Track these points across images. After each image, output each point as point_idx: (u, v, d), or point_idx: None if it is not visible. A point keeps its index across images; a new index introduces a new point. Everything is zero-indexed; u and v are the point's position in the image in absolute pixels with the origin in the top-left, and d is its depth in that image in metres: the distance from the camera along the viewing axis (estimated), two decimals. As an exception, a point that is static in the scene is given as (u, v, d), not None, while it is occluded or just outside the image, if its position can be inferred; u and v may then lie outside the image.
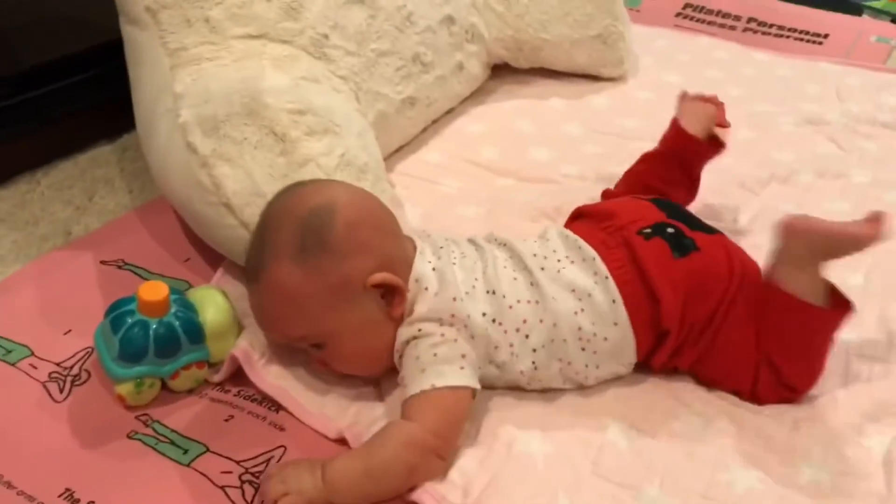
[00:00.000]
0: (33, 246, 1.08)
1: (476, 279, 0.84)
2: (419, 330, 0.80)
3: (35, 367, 0.90)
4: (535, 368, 0.84)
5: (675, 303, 0.83)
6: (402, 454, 0.74)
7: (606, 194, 1.06)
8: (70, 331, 0.94)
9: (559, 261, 0.87)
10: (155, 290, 0.85)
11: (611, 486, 0.77)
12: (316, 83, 1.06)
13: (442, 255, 0.85)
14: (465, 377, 0.78)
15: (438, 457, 0.76)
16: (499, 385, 0.85)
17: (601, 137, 1.31)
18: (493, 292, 0.83)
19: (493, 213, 1.13)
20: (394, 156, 1.24)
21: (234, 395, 0.87)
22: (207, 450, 0.81)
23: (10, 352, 0.91)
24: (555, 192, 1.16)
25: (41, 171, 1.23)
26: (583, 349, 0.84)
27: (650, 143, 1.28)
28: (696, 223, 0.91)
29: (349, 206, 0.82)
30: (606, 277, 0.84)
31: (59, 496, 0.76)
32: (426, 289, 0.82)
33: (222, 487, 0.78)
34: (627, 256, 0.86)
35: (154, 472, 0.79)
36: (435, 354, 0.78)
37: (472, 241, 0.90)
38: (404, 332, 0.81)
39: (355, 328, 0.82)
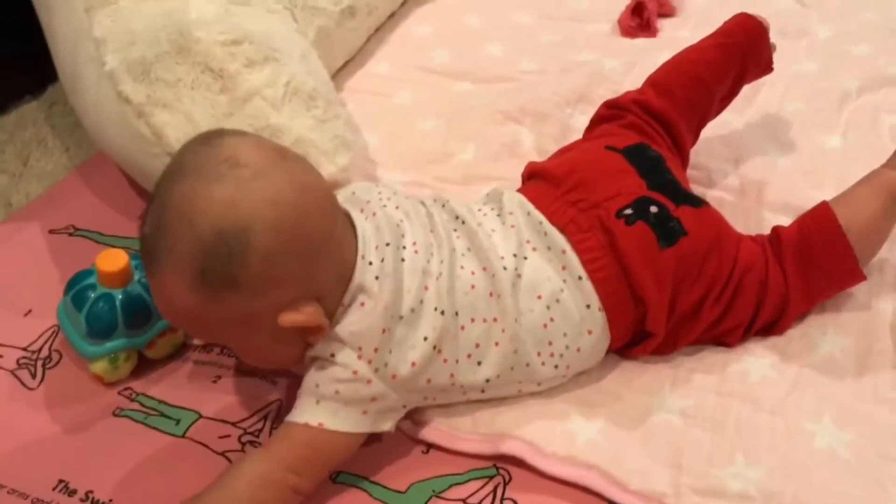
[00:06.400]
0: (-27, 223, 1.01)
1: (427, 288, 0.69)
2: (332, 355, 0.67)
3: (1, 357, 0.84)
4: (483, 392, 0.73)
5: (662, 305, 0.73)
6: (260, 497, 0.66)
7: (653, 85, 0.89)
8: (30, 311, 0.89)
9: (521, 246, 0.73)
10: (114, 260, 0.79)
11: (629, 395, 0.75)
12: (247, 6, 0.98)
13: (387, 255, 0.70)
14: (362, 424, 0.68)
15: (296, 493, 0.68)
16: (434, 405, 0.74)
17: (554, 24, 1.24)
18: (443, 312, 0.69)
19: (455, 124, 1.07)
20: (340, 72, 1.17)
21: (218, 354, 0.83)
22: (200, 416, 0.78)
23: (-31, 342, 0.86)
24: (517, 91, 1.10)
25: (-35, 140, 1.14)
26: (556, 367, 0.73)
27: (605, 24, 1.24)
28: (680, 193, 0.78)
29: (270, 230, 0.63)
30: (580, 277, 0.72)
31: (54, 489, 0.72)
32: (362, 304, 0.68)
33: (223, 453, 0.74)
34: (605, 245, 0.73)
35: (149, 448, 0.75)
36: (337, 392, 0.67)
37: (429, 216, 0.75)
38: (318, 347, 0.69)
39: (259, 349, 0.70)
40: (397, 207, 0.75)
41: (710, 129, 1.01)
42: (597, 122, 0.91)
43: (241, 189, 0.64)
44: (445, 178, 1.00)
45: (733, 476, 0.68)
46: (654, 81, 0.90)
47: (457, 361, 0.71)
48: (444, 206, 0.78)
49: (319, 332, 0.68)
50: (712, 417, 0.73)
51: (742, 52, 0.91)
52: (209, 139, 0.68)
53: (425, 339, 0.69)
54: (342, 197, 0.76)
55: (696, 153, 0.99)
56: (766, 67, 0.93)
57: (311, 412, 0.67)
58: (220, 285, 0.64)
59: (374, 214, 0.73)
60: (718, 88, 0.91)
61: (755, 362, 0.77)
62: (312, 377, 0.68)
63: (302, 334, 0.68)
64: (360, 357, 0.68)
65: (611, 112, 0.89)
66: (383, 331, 0.68)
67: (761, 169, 0.97)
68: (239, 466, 0.68)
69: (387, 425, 0.70)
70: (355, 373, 0.67)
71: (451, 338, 0.70)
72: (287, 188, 0.65)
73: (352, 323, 0.68)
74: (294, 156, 0.70)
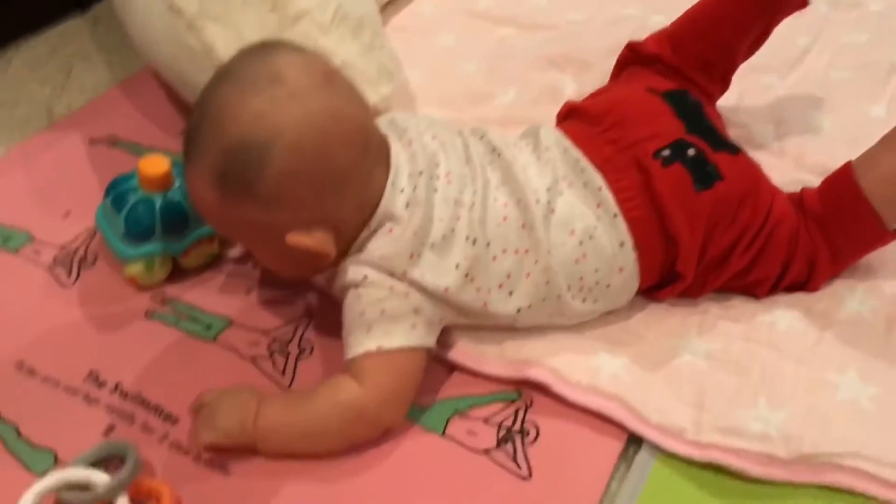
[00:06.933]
0: (15, 129, 1.03)
1: (459, 217, 0.70)
2: (365, 277, 0.68)
3: (38, 253, 0.86)
4: (515, 322, 0.74)
5: (693, 247, 0.73)
6: (345, 427, 0.67)
7: (650, 45, 0.88)
8: (69, 213, 0.90)
9: (557, 182, 0.74)
10: (157, 164, 0.80)
11: (655, 334, 0.76)
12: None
13: (420, 184, 0.70)
14: (416, 336, 0.68)
15: (383, 428, 0.69)
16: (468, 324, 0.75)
17: (602, -22, 1.24)
18: (475, 241, 0.70)
19: (497, 67, 1.07)
20: (386, 8, 1.17)
21: (252, 268, 0.84)
22: (231, 323, 0.79)
23: (8, 238, 0.87)
24: (560, 39, 1.10)
25: (10, 50, 1.15)
26: (583, 300, 0.73)
27: (655, -19, 1.22)
28: (719, 139, 0.78)
29: (292, 148, 0.65)
30: (615, 215, 0.72)
31: (85, 379, 0.74)
32: (390, 230, 0.69)
33: (251, 359, 0.76)
34: (640, 184, 0.73)
35: (179, 349, 0.77)
36: (382, 311, 0.67)
37: (465, 147, 0.75)
38: (349, 272, 0.69)
39: (272, 257, 0.73)
40: (434, 137, 0.75)
41: (753, 90, 1.01)
42: (622, 64, 0.90)
43: (273, 106, 0.65)
44: (484, 118, 1.00)
45: (755, 418, 0.69)
46: (671, 35, 0.88)
47: (489, 291, 0.71)
48: (481, 137, 0.78)
49: (325, 259, 0.69)
50: (737, 362, 0.73)
51: (769, 3, 0.87)
52: (262, 50, 0.69)
53: (457, 266, 0.70)
54: (382, 123, 0.76)
55: (736, 111, 0.99)
56: (802, 4, 0.89)
57: (365, 341, 0.68)
58: (237, 190, 0.67)
59: (410, 143, 0.73)
60: (741, 43, 0.88)
61: (783, 314, 0.77)
62: (354, 308, 0.69)
63: (309, 257, 0.69)
64: (391, 276, 0.69)
65: (634, 55, 0.89)
66: (411, 255, 0.69)
67: (802, 132, 0.97)
68: (329, 394, 0.68)
69: (431, 340, 0.70)
70: (391, 288, 0.68)
71: (483, 267, 0.71)
72: (317, 114, 0.66)
73: (379, 247, 0.69)
74: (340, 82, 0.70)
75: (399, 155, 0.72)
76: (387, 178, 0.70)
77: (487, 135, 0.78)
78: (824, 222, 0.77)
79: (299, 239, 0.68)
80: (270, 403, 0.68)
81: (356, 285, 0.69)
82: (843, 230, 0.77)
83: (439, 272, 0.69)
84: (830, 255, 0.78)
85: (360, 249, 0.70)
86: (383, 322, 0.68)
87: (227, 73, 0.69)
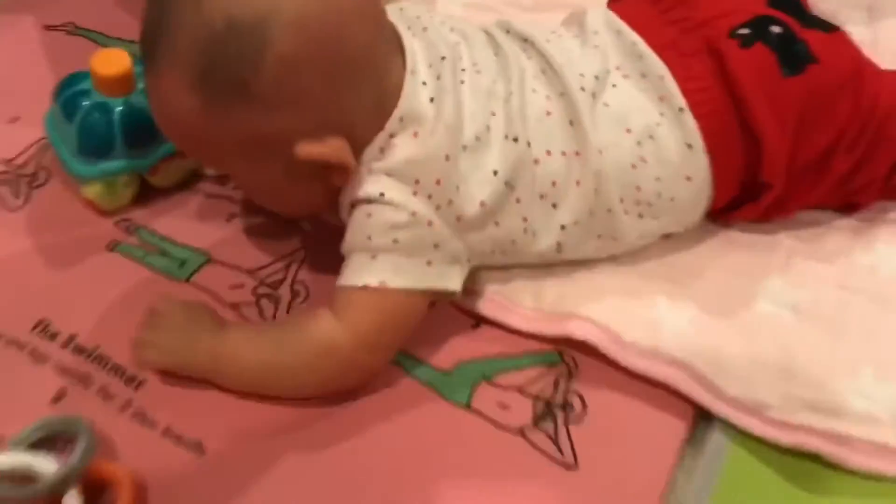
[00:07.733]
0: (-45, 12, 0.87)
1: (493, 113, 0.58)
2: (381, 194, 0.56)
3: (-21, 168, 0.72)
4: (559, 250, 0.61)
5: (782, 146, 0.60)
6: (313, 364, 0.56)
7: None
8: (18, 118, 0.76)
9: (609, 73, 0.61)
10: (114, 61, 0.66)
11: (727, 276, 0.63)
12: None
13: (444, 71, 0.58)
14: (429, 277, 0.57)
15: (365, 373, 0.58)
16: (501, 264, 0.62)
17: None
18: (516, 139, 0.58)
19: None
20: None
21: (235, 188, 0.71)
22: (210, 259, 0.66)
23: (-59, 148, 0.74)
24: None
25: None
26: (640, 216, 0.60)
27: None
28: (808, 15, 0.65)
29: (293, 28, 0.52)
30: (681, 110, 0.59)
31: (33, 330, 0.61)
32: (414, 135, 0.56)
33: (235, 305, 0.63)
34: (713, 71, 0.60)
35: (146, 291, 0.64)
36: (395, 241, 0.55)
37: (490, 38, 0.63)
38: (364, 183, 0.57)
39: (272, 185, 0.59)
40: (452, 30, 0.63)
41: (842, -32, 0.84)
42: None
43: None
44: (514, 1, 0.86)
45: (857, 392, 0.56)
46: None
47: (530, 203, 0.59)
48: (508, 31, 0.65)
49: (344, 172, 0.57)
50: (832, 317, 0.60)
51: None
52: None
53: (495, 173, 0.57)
54: (389, 12, 0.62)
55: (822, -6, 0.82)
56: None
57: (368, 270, 0.56)
58: (227, 90, 0.53)
59: (425, 30, 0.61)
60: None
61: (886, 253, 0.63)
62: (360, 227, 0.56)
63: (323, 173, 0.57)
64: (416, 193, 0.56)
65: None
66: (447, 157, 0.56)
67: (901, 20, 0.80)
68: (303, 325, 0.57)
69: (453, 283, 0.58)
70: (414, 214, 0.55)
71: (525, 172, 0.58)
72: None
73: (405, 151, 0.56)
74: None
75: (413, 43, 0.59)
76: (404, 68, 0.58)
77: (514, 25, 0.65)
78: None
79: (312, 149, 0.55)
80: (234, 328, 0.59)
81: (369, 200, 0.56)
82: None
83: (475, 181, 0.57)
84: None
85: (380, 156, 0.57)
86: (393, 254, 0.56)
87: None
